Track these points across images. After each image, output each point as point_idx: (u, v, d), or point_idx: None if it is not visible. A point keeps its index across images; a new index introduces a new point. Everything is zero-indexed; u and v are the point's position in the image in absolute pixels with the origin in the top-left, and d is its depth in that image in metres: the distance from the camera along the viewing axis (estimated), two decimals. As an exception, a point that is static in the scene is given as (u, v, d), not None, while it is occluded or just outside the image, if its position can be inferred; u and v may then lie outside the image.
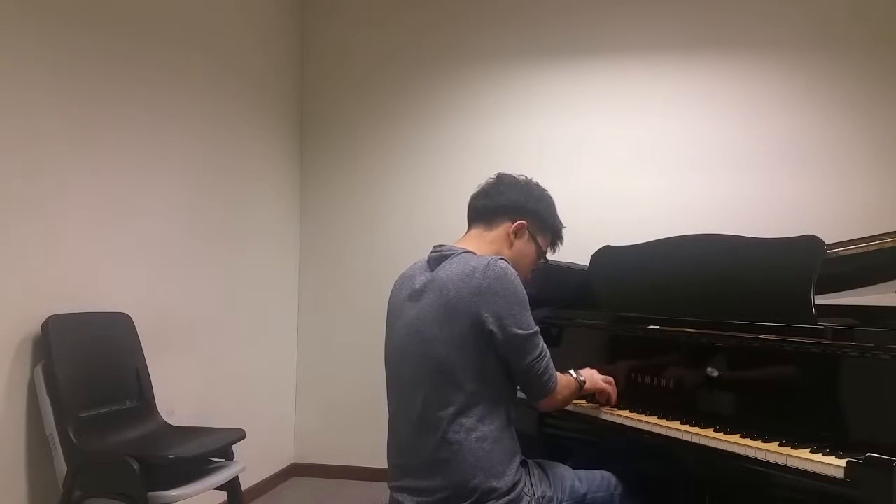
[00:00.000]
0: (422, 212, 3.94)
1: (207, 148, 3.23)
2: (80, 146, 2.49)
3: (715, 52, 3.66)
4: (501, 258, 1.70)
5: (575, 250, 2.34)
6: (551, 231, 1.91)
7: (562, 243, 1.96)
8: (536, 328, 1.68)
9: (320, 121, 4.12)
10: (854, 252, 2.12)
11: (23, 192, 2.26)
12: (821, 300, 1.88)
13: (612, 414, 1.99)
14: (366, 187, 4.04)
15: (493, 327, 1.61)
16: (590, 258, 2.48)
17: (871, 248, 2.11)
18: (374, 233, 4.01)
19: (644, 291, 2.27)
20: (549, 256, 1.96)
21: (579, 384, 1.90)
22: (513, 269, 1.68)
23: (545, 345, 1.71)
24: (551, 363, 1.72)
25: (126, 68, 2.70)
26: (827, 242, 1.92)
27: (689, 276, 2.14)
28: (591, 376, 1.97)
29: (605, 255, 2.45)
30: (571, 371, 1.91)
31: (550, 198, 1.92)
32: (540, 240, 1.88)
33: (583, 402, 2.06)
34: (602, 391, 2.00)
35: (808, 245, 1.87)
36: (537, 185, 1.91)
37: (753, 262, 1.99)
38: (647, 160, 3.69)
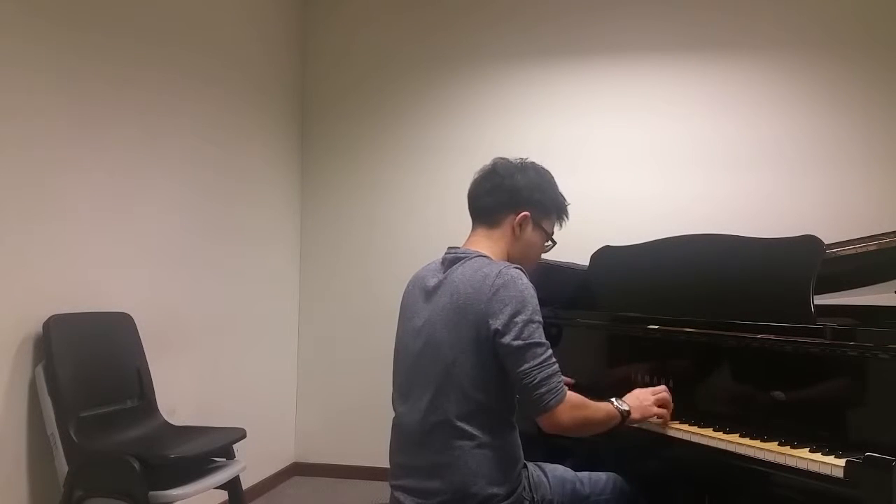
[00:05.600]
0: (422, 211, 3.94)
1: (208, 148, 3.23)
2: (80, 146, 2.49)
3: (715, 52, 3.66)
4: (516, 267, 1.66)
5: (575, 250, 2.35)
6: (555, 210, 1.84)
7: (567, 218, 1.87)
8: (540, 339, 1.58)
9: (320, 120, 4.12)
10: (854, 252, 2.12)
11: (24, 192, 2.26)
12: (821, 300, 1.88)
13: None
14: (366, 187, 4.04)
15: (492, 331, 1.58)
16: (589, 258, 2.48)
17: (870, 248, 2.11)
18: (375, 232, 4.01)
19: (644, 291, 2.28)
20: (551, 251, 1.89)
21: (620, 414, 1.71)
22: (525, 278, 1.64)
23: (552, 359, 1.59)
24: (556, 378, 1.58)
25: (126, 68, 2.70)
26: (827, 242, 1.92)
27: (688, 276, 2.14)
28: (641, 405, 1.77)
29: (605, 255, 2.46)
30: (614, 400, 1.74)
31: (548, 176, 1.84)
32: (545, 224, 1.82)
33: None
34: (655, 416, 1.81)
35: (808, 245, 1.87)
36: (533, 166, 1.83)
37: (753, 262, 1.99)
38: (647, 160, 3.69)
